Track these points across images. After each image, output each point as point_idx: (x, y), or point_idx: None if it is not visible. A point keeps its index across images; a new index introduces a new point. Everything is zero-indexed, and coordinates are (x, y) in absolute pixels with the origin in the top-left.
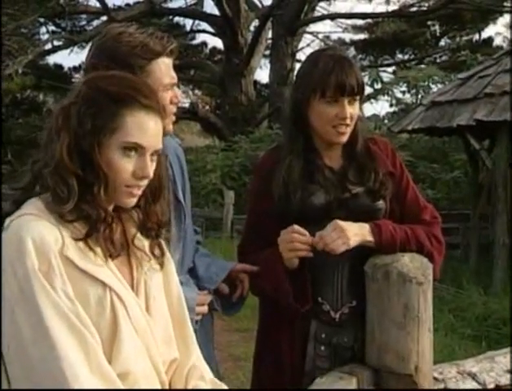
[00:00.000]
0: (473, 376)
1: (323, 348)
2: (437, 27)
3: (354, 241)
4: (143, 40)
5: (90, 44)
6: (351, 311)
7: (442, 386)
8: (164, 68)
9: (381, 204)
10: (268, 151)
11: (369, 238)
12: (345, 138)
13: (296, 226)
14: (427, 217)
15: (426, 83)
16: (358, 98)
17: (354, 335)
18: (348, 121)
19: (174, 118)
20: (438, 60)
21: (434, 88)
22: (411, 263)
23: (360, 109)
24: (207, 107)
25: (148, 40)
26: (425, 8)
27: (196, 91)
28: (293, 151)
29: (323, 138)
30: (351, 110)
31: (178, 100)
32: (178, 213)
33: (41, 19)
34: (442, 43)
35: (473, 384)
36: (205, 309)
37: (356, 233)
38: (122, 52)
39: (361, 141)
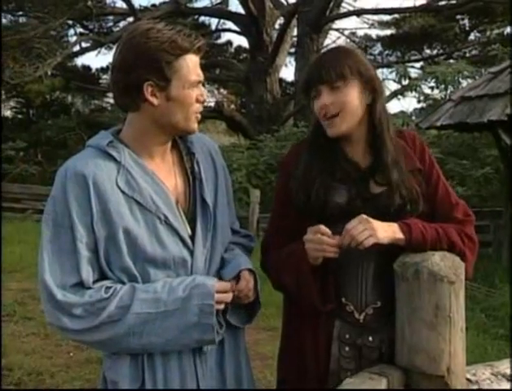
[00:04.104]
0: (508, 378)
1: (347, 349)
2: (466, 21)
3: (383, 237)
4: (172, 36)
5: (117, 44)
6: (376, 312)
7: (475, 388)
8: (191, 65)
9: (412, 205)
10: (294, 146)
11: (399, 235)
12: (334, 130)
13: (323, 228)
14: (459, 216)
15: (456, 78)
16: (339, 85)
17: (379, 336)
18: (331, 110)
19: (199, 117)
20: (467, 55)
21: (464, 83)
22: (442, 262)
23: (375, 100)
24: (232, 106)
25: (176, 36)
26: (454, 1)
27: (222, 90)
28: (314, 145)
29: None
30: (333, 99)
31: (203, 99)
32: (205, 212)
33: (70, 22)
34: (471, 37)
35: (508, 386)
36: (227, 296)
37: (386, 230)
38: (150, 47)
39: (389, 135)
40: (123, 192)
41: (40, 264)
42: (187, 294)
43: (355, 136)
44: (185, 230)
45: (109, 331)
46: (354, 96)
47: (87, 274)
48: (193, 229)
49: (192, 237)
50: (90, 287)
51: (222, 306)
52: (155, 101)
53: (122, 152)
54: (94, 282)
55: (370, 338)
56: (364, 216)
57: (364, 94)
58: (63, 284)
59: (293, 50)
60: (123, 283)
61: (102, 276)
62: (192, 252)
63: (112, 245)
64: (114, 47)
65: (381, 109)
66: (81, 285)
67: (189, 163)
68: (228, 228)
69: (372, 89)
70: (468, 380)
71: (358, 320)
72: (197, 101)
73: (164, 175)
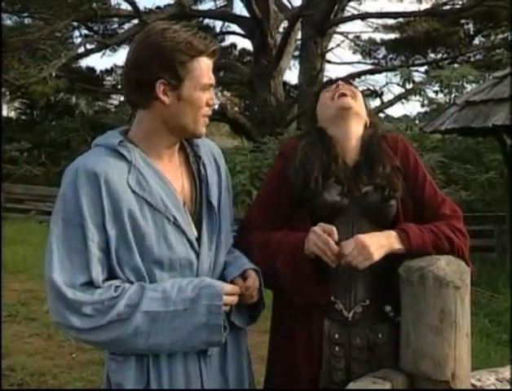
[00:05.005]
0: None
1: (337, 348)
2: (471, 25)
3: (378, 254)
4: (188, 37)
5: (121, 47)
6: (364, 310)
7: None
8: (204, 68)
9: (391, 201)
10: (294, 137)
11: (397, 246)
12: (347, 101)
13: (335, 232)
14: (447, 212)
15: (460, 83)
16: (355, 91)
17: (366, 336)
18: (348, 92)
19: (207, 121)
20: (472, 59)
21: (468, 87)
22: (447, 267)
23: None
24: (236, 109)
25: (192, 38)
26: (458, 6)
27: (225, 92)
28: (311, 136)
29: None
30: (351, 89)
31: (213, 102)
32: (211, 215)
33: (75, 23)
34: (476, 42)
35: None
36: (234, 299)
37: (382, 244)
38: (166, 47)
39: (377, 134)
40: (134, 192)
41: (48, 262)
42: (195, 294)
43: (353, 135)
44: (192, 232)
45: (117, 330)
46: (362, 103)
47: (97, 273)
48: (199, 231)
49: (198, 239)
50: (99, 287)
51: (227, 308)
52: (166, 100)
53: (132, 152)
54: (103, 281)
55: (358, 340)
56: (360, 238)
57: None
58: (72, 283)
59: (297, 53)
60: (131, 283)
61: (110, 276)
62: (197, 255)
63: (122, 244)
64: (119, 49)
65: (373, 117)
66: (90, 284)
67: (195, 165)
68: (230, 231)
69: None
70: (473, 385)
71: (346, 318)
72: (207, 104)
73: (171, 176)
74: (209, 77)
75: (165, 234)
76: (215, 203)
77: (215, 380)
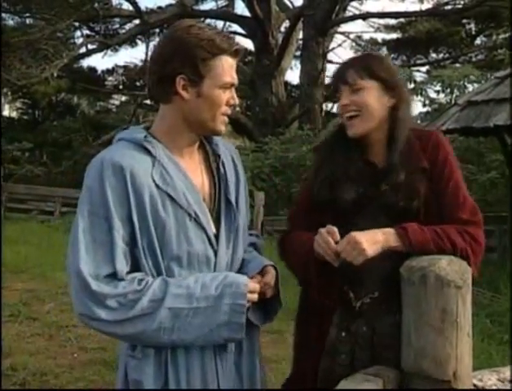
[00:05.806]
0: None
1: (344, 334)
2: (472, 25)
3: (372, 249)
4: (211, 35)
5: (122, 47)
6: (372, 302)
7: None
8: (226, 66)
9: (414, 203)
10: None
11: (394, 243)
12: (353, 131)
13: (333, 231)
14: (464, 216)
15: (461, 82)
16: (358, 86)
17: (372, 326)
18: (351, 110)
19: (227, 120)
20: (473, 59)
21: (470, 87)
22: (449, 266)
23: (397, 105)
24: (237, 109)
25: (216, 36)
26: (460, 6)
27: None
28: (329, 144)
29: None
30: (352, 99)
31: (234, 102)
32: (229, 213)
33: (76, 24)
34: (478, 42)
35: None
36: (255, 296)
37: (376, 240)
38: (189, 43)
39: (402, 135)
40: (157, 186)
41: (73, 253)
42: (219, 292)
43: (375, 137)
44: (211, 229)
45: (142, 324)
46: (372, 98)
47: (122, 265)
48: (217, 228)
49: (216, 236)
50: (122, 279)
51: (249, 304)
52: (185, 95)
53: (156, 147)
54: (126, 274)
55: (364, 328)
56: (353, 235)
57: (383, 98)
58: (96, 274)
59: (298, 53)
60: (153, 276)
61: (133, 269)
62: (215, 252)
63: (145, 237)
64: (120, 49)
65: (402, 114)
66: (114, 276)
67: (215, 164)
68: (246, 231)
69: (394, 94)
70: (474, 385)
71: (354, 307)
72: (227, 104)
73: (192, 173)
74: (231, 77)
75: (186, 229)
76: (233, 201)
77: (230, 377)
